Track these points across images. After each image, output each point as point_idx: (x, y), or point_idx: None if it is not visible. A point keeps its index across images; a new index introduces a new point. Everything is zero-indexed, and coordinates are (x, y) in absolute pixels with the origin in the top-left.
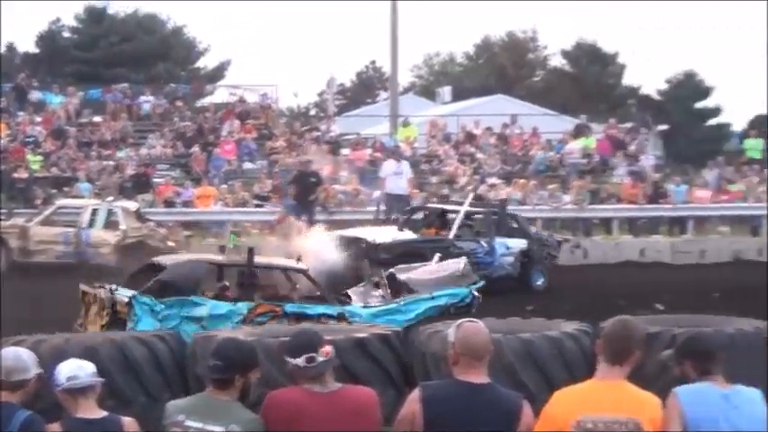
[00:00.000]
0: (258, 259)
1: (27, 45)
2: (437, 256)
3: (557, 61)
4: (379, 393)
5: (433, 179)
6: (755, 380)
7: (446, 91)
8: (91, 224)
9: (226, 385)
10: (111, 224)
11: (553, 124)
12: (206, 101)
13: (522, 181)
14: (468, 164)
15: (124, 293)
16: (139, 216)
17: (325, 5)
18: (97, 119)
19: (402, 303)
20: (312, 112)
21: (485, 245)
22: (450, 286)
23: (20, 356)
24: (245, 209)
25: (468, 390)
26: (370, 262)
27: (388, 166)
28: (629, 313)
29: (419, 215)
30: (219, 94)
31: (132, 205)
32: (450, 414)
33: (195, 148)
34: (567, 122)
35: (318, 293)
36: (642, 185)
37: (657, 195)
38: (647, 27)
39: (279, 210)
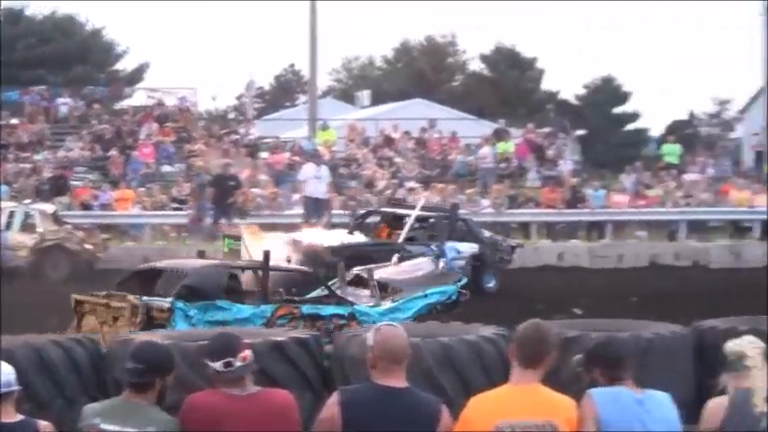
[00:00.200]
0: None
1: None
2: (395, 256)
3: (476, 66)
4: (297, 397)
5: (352, 183)
6: (673, 383)
7: (365, 95)
8: (8, 227)
9: (144, 388)
10: (28, 227)
11: (472, 128)
12: (124, 103)
13: (440, 185)
14: (386, 168)
15: (161, 300)
16: (57, 219)
17: (245, 8)
18: (14, 121)
19: (402, 302)
20: (231, 116)
21: (435, 248)
22: (437, 285)
23: None
24: (163, 212)
25: (386, 394)
26: (315, 265)
27: (308, 170)
28: (547, 318)
29: (374, 219)
30: (138, 97)
31: (49, 208)
32: (369, 418)
33: (113, 151)
34: (486, 127)
35: (327, 293)
36: (560, 190)
37: (576, 200)
38: (567, 31)
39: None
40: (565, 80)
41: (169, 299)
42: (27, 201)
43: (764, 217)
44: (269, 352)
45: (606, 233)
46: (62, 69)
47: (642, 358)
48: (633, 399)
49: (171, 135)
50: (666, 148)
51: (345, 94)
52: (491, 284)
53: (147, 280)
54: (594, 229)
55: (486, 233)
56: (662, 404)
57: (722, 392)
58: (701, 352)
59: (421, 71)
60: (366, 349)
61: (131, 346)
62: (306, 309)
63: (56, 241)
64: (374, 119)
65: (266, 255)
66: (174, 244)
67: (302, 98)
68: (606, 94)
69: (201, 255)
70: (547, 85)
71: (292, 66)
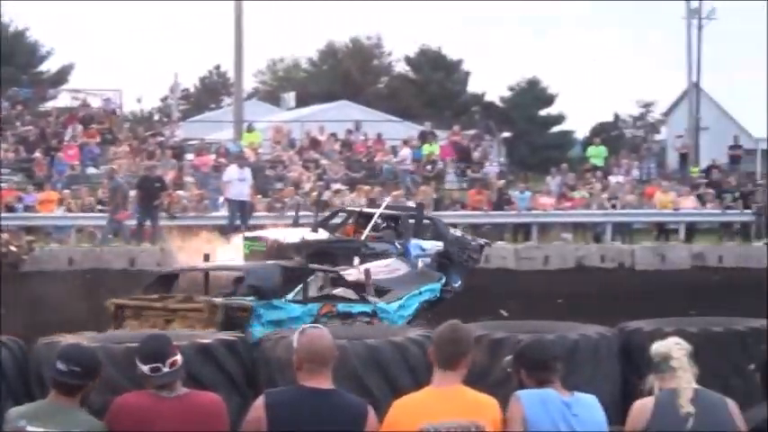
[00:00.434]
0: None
1: None
2: (356, 258)
3: (401, 67)
4: (224, 399)
5: (278, 185)
6: (599, 384)
7: (290, 97)
8: None
9: (72, 391)
10: None
11: (398, 130)
12: (49, 105)
13: (366, 187)
14: (312, 170)
15: (241, 299)
16: None
17: (170, 9)
18: None
19: (405, 299)
20: (156, 117)
21: (398, 246)
22: (426, 283)
23: None
24: (89, 214)
25: (312, 396)
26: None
27: (231, 172)
28: (473, 319)
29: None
30: (62, 99)
31: None
32: (295, 420)
33: (38, 153)
34: (412, 129)
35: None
36: (486, 192)
37: (502, 202)
38: (493, 33)
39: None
40: (491, 82)
41: (250, 298)
42: None
43: (689, 219)
44: (195, 354)
45: (532, 235)
46: None
47: (569, 360)
48: (560, 401)
49: (96, 137)
50: (592, 150)
51: (271, 96)
52: (456, 284)
53: (168, 283)
54: (520, 231)
55: (458, 232)
56: (589, 407)
57: (648, 393)
58: (627, 353)
59: (346, 73)
60: (292, 351)
61: (57, 347)
62: (341, 307)
63: None
64: (300, 120)
65: (307, 255)
66: (99, 246)
67: (227, 100)
68: (532, 96)
69: (207, 258)
70: (473, 87)
71: (218, 67)
